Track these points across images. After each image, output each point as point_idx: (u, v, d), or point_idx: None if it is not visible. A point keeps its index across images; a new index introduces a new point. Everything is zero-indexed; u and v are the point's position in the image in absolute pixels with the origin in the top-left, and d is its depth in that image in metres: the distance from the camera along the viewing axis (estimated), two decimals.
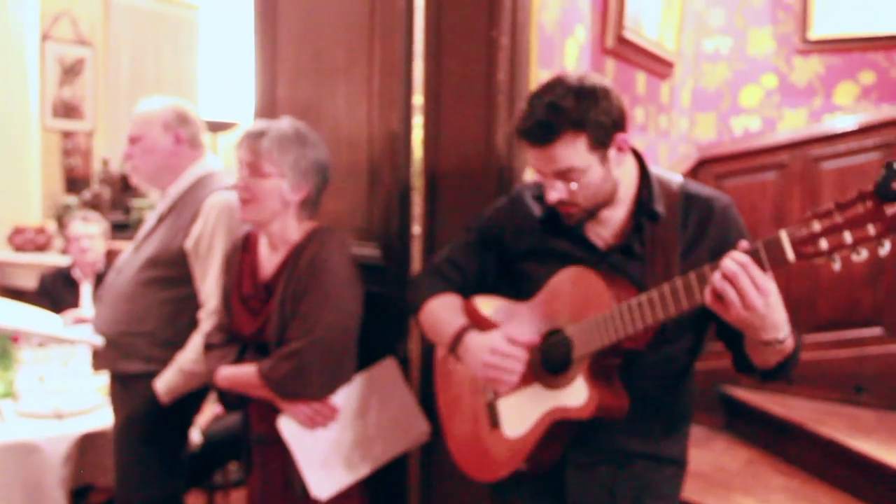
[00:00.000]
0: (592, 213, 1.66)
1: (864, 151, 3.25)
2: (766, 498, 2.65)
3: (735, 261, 1.30)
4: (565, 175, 1.57)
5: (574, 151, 1.54)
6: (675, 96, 3.88)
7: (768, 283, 1.30)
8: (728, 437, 3.27)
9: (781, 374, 1.55)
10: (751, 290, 1.29)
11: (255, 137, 2.05)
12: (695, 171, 3.56)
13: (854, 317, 3.26)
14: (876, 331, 3.21)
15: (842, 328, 3.27)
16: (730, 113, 4.09)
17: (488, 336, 1.68)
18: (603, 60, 2.99)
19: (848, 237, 1.21)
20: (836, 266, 1.24)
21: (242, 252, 2.22)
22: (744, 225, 1.69)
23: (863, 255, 1.21)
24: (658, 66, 3.50)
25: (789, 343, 1.44)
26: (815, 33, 3.87)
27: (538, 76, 2.27)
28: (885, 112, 3.40)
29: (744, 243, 1.33)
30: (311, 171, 2.08)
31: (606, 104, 1.55)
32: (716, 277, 1.32)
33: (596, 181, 1.59)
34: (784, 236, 1.27)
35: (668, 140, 3.78)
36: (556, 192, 1.60)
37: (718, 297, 1.32)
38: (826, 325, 3.28)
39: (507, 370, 1.63)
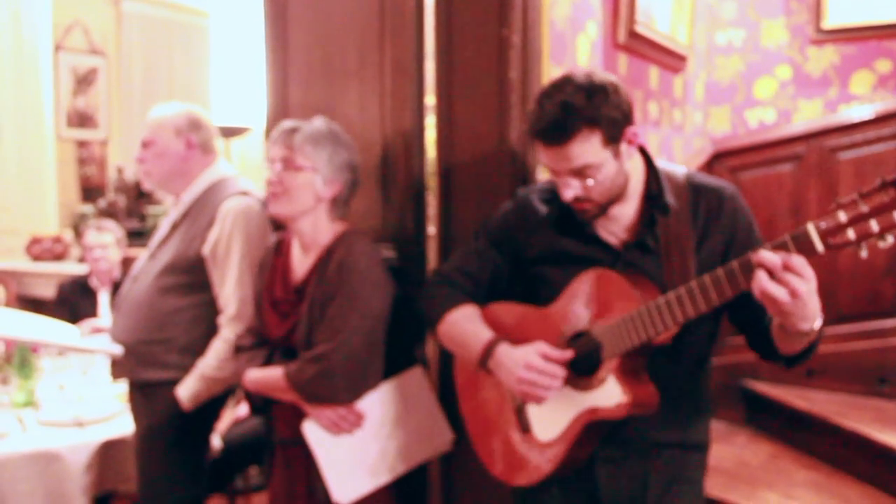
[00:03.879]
0: (605, 208, 1.66)
1: (882, 141, 3.22)
2: (789, 492, 2.63)
3: (764, 262, 1.32)
4: (581, 172, 1.58)
5: (589, 148, 1.56)
6: (689, 90, 3.85)
7: (808, 268, 1.31)
8: (750, 431, 3.25)
9: (805, 358, 1.57)
10: (794, 278, 1.30)
11: (289, 133, 2.06)
12: (710, 165, 3.54)
13: (875, 308, 3.23)
14: None
15: (863, 320, 3.24)
16: (744, 105, 4.06)
17: (522, 351, 1.68)
18: (615, 56, 2.98)
19: (874, 225, 1.24)
20: (864, 254, 1.27)
21: (275, 256, 2.22)
22: (751, 212, 1.70)
23: (889, 241, 1.24)
24: (671, 60, 3.48)
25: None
26: (828, 23, 3.83)
27: (550, 73, 2.26)
28: None
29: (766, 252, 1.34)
30: (344, 169, 2.08)
31: (616, 99, 1.57)
32: (760, 274, 1.32)
33: (610, 176, 1.60)
34: (812, 229, 1.29)
35: (683, 134, 3.76)
36: (571, 190, 1.61)
37: (764, 293, 1.32)
38: (847, 317, 3.25)
39: (542, 386, 1.63)
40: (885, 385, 3.15)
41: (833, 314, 3.23)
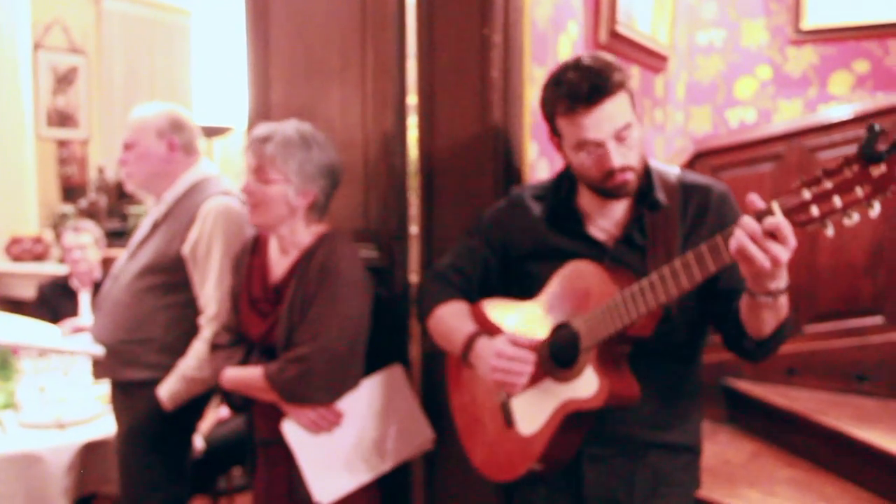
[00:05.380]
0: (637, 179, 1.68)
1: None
2: (771, 490, 2.64)
3: (745, 228, 1.31)
4: (620, 136, 1.60)
5: (625, 107, 1.61)
6: (670, 90, 3.87)
7: (793, 235, 1.31)
8: (731, 429, 3.26)
9: (776, 343, 1.56)
10: (774, 245, 1.30)
11: (260, 142, 2.05)
12: (691, 165, 3.55)
13: (855, 306, 3.25)
14: (877, 319, 3.20)
15: (843, 318, 3.26)
16: (725, 105, 4.08)
17: (494, 340, 1.69)
18: None
19: (838, 201, 1.24)
20: (829, 231, 1.27)
21: (252, 254, 2.22)
22: (740, 210, 1.70)
23: (854, 218, 1.24)
24: (652, 59, 3.50)
25: (784, 301, 1.45)
26: (808, 23, 3.86)
27: (532, 73, 2.26)
28: (880, 100, 3.39)
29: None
30: (317, 175, 2.07)
31: (624, 72, 1.63)
32: (738, 233, 1.32)
33: (640, 140, 1.65)
34: (776, 207, 1.30)
35: (664, 134, 3.78)
36: (620, 156, 1.61)
37: (742, 252, 1.32)
38: (827, 316, 3.27)
39: (514, 372, 1.63)
40: (865, 382, 3.18)
41: (812, 313, 3.25)
